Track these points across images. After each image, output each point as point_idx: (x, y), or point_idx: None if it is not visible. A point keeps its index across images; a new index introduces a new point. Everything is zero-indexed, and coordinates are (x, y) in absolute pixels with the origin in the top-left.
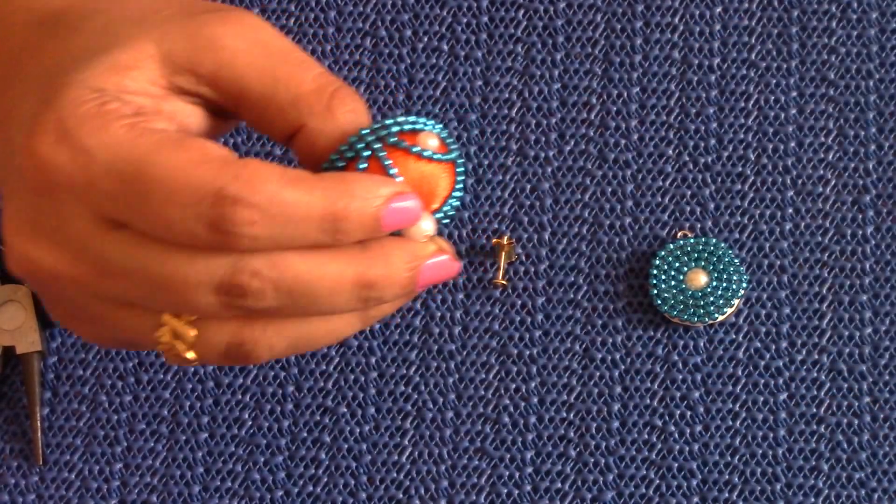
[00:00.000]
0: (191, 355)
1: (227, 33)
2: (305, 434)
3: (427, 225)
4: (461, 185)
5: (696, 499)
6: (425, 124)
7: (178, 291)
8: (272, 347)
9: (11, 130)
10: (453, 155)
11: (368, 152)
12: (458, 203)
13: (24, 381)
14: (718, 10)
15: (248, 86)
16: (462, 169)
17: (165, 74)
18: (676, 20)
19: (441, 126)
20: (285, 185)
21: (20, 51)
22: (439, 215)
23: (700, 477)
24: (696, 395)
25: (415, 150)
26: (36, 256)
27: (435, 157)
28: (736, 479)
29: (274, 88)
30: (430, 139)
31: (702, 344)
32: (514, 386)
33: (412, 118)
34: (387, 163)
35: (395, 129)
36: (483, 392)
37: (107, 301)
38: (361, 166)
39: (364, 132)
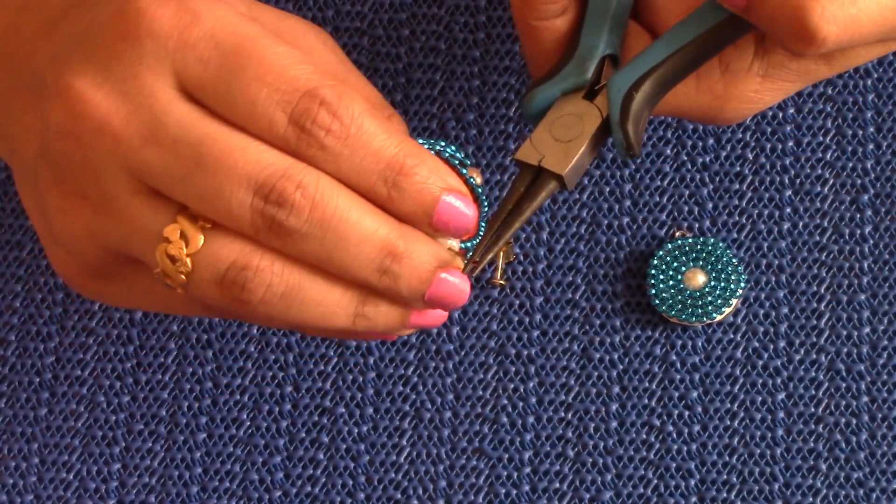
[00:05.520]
0: (183, 276)
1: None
2: (304, 434)
3: (454, 243)
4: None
5: (694, 499)
6: (464, 159)
7: (219, 176)
8: (270, 286)
9: None
10: (484, 210)
11: None
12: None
13: None
14: None
15: None
16: (486, 208)
17: None
18: None
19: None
20: (372, 115)
21: None
22: (465, 244)
23: (698, 477)
24: (695, 394)
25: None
26: (93, 99)
27: (477, 189)
28: (734, 479)
29: None
30: (475, 175)
31: (700, 344)
32: (512, 386)
33: (451, 148)
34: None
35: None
36: (481, 392)
37: (131, 179)
38: None
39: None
